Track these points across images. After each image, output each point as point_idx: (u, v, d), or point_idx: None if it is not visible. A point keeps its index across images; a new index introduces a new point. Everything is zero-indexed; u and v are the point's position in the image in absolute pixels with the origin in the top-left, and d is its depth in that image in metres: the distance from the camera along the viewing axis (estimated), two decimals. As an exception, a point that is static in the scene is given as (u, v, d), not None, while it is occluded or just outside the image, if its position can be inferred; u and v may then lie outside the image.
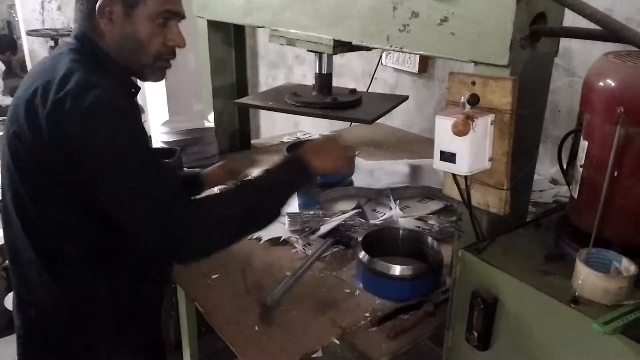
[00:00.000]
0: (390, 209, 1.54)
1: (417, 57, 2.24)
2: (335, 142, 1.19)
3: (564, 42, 1.72)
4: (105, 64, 1.01)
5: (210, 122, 2.03)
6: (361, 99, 1.61)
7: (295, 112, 1.57)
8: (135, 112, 0.99)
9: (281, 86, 1.91)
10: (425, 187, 1.67)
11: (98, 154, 0.89)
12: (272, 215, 1.06)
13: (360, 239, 1.27)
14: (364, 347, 1.02)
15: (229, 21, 1.78)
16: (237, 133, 2.14)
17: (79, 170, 0.91)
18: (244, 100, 1.77)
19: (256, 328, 1.06)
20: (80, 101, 0.88)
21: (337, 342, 1.04)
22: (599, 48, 0.97)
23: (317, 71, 1.59)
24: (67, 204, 0.98)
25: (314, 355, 1.03)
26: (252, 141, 2.25)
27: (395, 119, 2.50)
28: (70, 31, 4.11)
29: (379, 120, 2.47)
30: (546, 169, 1.79)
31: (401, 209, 1.54)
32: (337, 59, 2.70)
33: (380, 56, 2.39)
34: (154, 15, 1.00)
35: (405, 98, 1.74)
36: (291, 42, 1.46)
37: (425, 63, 2.26)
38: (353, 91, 1.66)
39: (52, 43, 4.81)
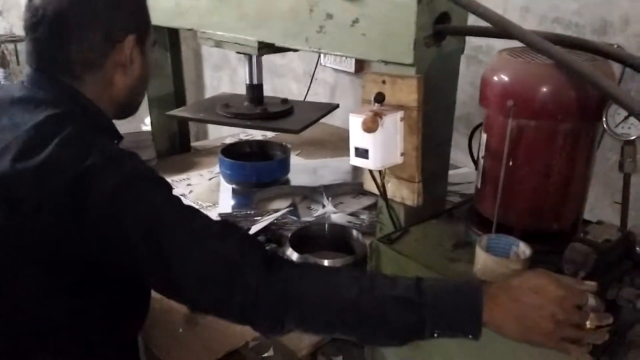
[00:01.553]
0: (324, 206, 1.57)
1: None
2: (568, 305, 0.69)
3: (487, 40, 1.81)
4: (99, 124, 0.91)
5: (147, 125, 2.01)
6: (292, 109, 1.65)
7: (226, 123, 1.60)
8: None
9: (215, 96, 1.93)
10: (359, 183, 1.71)
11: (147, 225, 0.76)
12: (380, 339, 0.81)
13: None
14: (287, 340, 1.04)
15: (159, 24, 1.76)
16: (176, 136, 2.13)
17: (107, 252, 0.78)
18: (176, 112, 1.78)
19: (180, 330, 1.07)
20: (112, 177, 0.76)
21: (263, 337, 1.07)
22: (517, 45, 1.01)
23: (248, 82, 1.63)
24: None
25: (265, 355, 1.05)
26: (192, 144, 2.25)
27: (337, 119, 2.53)
28: (14, 38, 3.89)
29: (321, 120, 2.51)
30: (475, 162, 1.86)
31: (335, 206, 1.58)
32: (279, 59, 2.74)
33: (319, 56, 2.42)
34: (150, 46, 0.97)
35: (335, 106, 1.78)
36: (219, 44, 1.47)
37: (362, 63, 2.31)
38: (285, 101, 1.70)
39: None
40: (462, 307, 0.72)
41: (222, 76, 3.23)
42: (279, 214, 1.45)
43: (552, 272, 0.72)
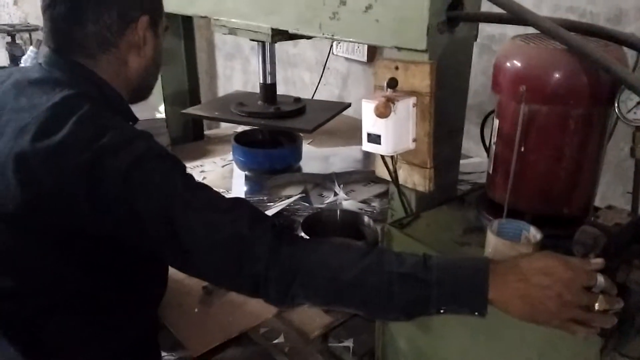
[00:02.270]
0: (336, 193, 1.59)
1: (365, 46, 2.29)
2: (576, 286, 0.69)
3: (499, 29, 1.80)
4: (115, 104, 0.92)
5: (161, 112, 2.04)
6: (305, 108, 1.67)
7: (240, 122, 1.64)
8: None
9: (229, 95, 1.96)
10: (370, 171, 1.73)
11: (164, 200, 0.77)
12: (387, 314, 0.82)
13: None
14: (299, 321, 1.06)
15: (173, 12, 1.78)
16: (190, 123, 2.15)
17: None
18: (191, 110, 1.82)
19: (196, 310, 1.10)
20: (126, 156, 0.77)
21: (276, 318, 1.09)
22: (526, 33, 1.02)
23: (262, 80, 1.66)
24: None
25: (276, 341, 1.07)
26: (206, 132, 2.27)
27: (349, 108, 2.55)
28: (29, 27, 3.92)
29: (332, 109, 2.50)
30: (487, 151, 1.87)
31: (346, 193, 1.60)
32: (291, 48, 2.75)
33: (331, 45, 2.43)
34: (162, 30, 0.99)
35: (347, 106, 1.80)
36: (233, 31, 1.49)
37: (374, 52, 2.31)
38: (297, 100, 1.72)
39: (8, 39, 4.71)
40: (467, 283, 0.73)
41: (235, 65, 3.25)
42: (291, 199, 1.47)
43: (560, 254, 0.73)
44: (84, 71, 0.90)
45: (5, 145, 0.80)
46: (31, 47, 2.59)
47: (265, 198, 1.49)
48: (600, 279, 0.70)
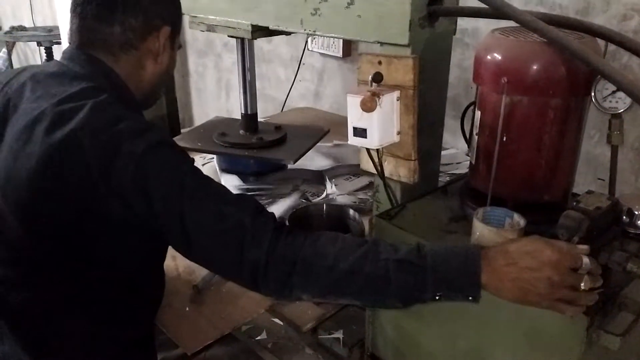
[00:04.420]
0: (326, 188, 1.61)
1: (341, 41, 2.30)
2: (563, 267, 0.72)
3: (473, 22, 1.84)
4: (128, 101, 0.95)
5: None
6: (286, 136, 1.69)
7: (224, 153, 1.66)
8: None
9: (210, 122, 1.95)
10: (353, 165, 1.75)
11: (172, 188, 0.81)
12: (384, 301, 0.83)
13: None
14: (291, 315, 1.07)
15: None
16: (164, 118, 2.14)
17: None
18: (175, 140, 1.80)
19: (187, 309, 1.10)
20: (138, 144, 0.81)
21: (268, 313, 1.10)
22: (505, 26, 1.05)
23: (243, 111, 1.68)
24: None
25: (258, 338, 1.08)
26: (182, 130, 2.26)
27: (325, 103, 2.57)
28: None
29: (309, 104, 2.52)
30: (463, 143, 1.91)
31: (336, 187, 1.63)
32: (265, 45, 2.74)
33: (306, 41, 2.44)
34: (177, 45, 1.04)
35: (327, 132, 1.80)
36: (211, 27, 1.48)
37: (349, 47, 2.33)
38: (278, 127, 1.74)
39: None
40: (461, 270, 0.76)
41: (207, 62, 3.22)
42: (290, 201, 1.48)
43: (546, 239, 0.77)
44: (103, 66, 0.94)
45: (19, 136, 0.84)
46: (3, 49, 2.53)
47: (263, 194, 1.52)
48: (586, 259, 0.73)
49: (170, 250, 1.30)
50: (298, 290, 0.80)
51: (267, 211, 0.86)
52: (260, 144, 1.62)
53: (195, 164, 0.87)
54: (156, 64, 0.99)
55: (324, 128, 1.79)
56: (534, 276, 0.73)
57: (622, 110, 0.87)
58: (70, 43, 0.97)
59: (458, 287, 0.76)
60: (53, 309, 0.90)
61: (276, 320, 1.10)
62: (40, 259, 0.88)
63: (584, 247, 0.74)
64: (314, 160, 1.86)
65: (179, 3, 1.07)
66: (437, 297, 0.77)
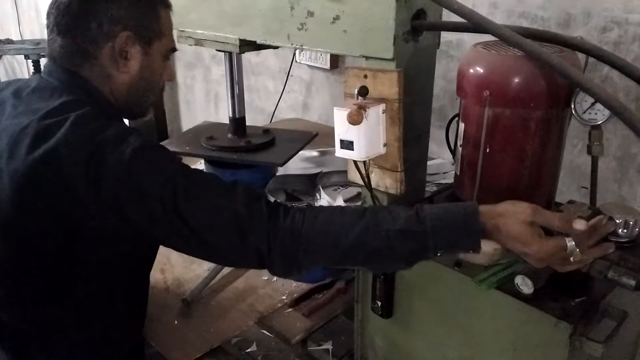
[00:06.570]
0: (318, 196, 1.62)
1: (328, 54, 2.33)
2: (548, 259, 0.77)
3: (457, 35, 1.87)
4: (109, 111, 0.96)
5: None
6: (274, 140, 1.69)
7: (212, 157, 1.65)
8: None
9: (198, 126, 1.96)
10: (342, 172, 1.76)
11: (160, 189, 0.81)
12: (390, 267, 0.89)
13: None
14: (280, 328, 1.08)
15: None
16: (152, 122, 2.14)
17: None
18: (163, 144, 1.80)
19: (176, 322, 1.10)
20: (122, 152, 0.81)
21: (257, 325, 1.10)
22: (487, 39, 1.07)
23: (231, 115, 1.68)
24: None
25: (248, 350, 1.08)
26: (170, 132, 2.26)
27: (313, 113, 2.59)
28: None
29: (298, 115, 2.54)
30: (449, 153, 1.93)
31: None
32: (254, 57, 2.76)
33: (294, 54, 2.46)
34: (165, 52, 1.01)
35: (315, 135, 1.82)
36: (199, 42, 1.49)
37: (336, 59, 2.35)
38: (266, 131, 1.75)
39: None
40: (460, 227, 0.79)
41: (196, 75, 3.23)
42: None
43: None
44: (76, 79, 0.94)
45: (1, 153, 0.83)
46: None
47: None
48: (571, 243, 0.75)
49: (159, 264, 1.31)
50: (305, 267, 0.83)
51: (259, 195, 0.87)
52: (248, 147, 1.62)
53: (182, 161, 0.88)
54: (123, 73, 0.96)
55: (312, 132, 1.80)
56: (516, 219, 0.77)
57: (601, 122, 0.89)
58: (47, 57, 0.98)
59: (459, 244, 0.80)
60: (39, 327, 0.89)
61: (265, 332, 1.11)
62: (24, 278, 0.87)
63: (582, 223, 0.75)
64: (297, 165, 1.87)
65: (148, 6, 1.00)
66: (438, 254, 0.80)
